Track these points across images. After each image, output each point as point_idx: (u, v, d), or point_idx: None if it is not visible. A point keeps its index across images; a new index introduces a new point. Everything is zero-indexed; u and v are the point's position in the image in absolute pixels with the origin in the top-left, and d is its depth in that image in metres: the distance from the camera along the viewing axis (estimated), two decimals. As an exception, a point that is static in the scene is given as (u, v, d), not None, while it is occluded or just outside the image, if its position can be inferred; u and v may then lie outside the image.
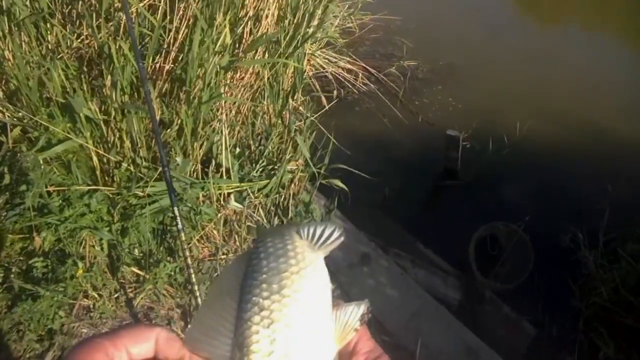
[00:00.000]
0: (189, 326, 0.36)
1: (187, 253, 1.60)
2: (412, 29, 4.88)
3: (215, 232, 2.23)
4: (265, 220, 2.33)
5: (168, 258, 2.04)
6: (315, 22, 2.74)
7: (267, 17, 2.51)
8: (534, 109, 3.79)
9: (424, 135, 3.58)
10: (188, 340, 0.38)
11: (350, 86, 4.04)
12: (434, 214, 2.96)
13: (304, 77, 3.45)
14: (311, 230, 0.42)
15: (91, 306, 1.88)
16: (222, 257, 2.17)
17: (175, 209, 1.67)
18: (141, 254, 2.03)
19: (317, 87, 3.69)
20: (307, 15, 2.54)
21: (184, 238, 1.67)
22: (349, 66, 4.17)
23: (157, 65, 2.34)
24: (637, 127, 3.78)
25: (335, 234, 0.41)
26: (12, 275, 1.83)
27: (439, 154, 3.25)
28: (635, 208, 2.54)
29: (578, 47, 5.60)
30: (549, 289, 2.41)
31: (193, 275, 1.56)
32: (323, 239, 0.41)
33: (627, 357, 2.07)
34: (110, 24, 2.33)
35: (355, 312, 0.39)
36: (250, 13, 2.47)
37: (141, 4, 2.31)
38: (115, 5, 2.29)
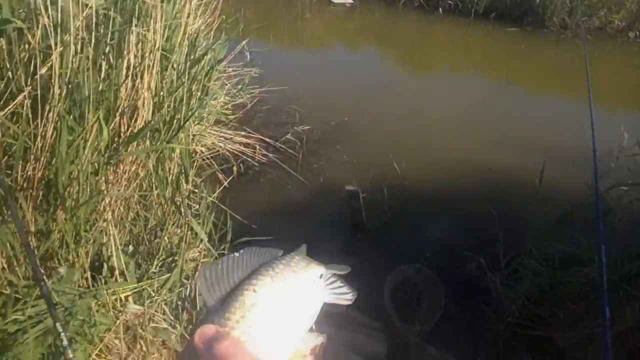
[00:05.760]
0: (205, 267, 0.44)
1: (75, 375, 1.42)
2: (302, 96, 5.13)
3: (116, 341, 2.03)
4: (172, 317, 2.18)
5: (62, 385, 1.80)
6: (195, 103, 2.77)
7: (143, 105, 2.48)
8: (421, 153, 4.08)
9: (327, 195, 3.66)
10: (199, 276, 0.43)
11: (250, 159, 4.07)
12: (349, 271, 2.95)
13: (196, 158, 3.43)
14: (331, 278, 0.46)
15: None
16: (127, 367, 1.97)
17: (58, 324, 1.51)
18: (28, 388, 1.77)
19: (215, 165, 3.67)
20: (184, 98, 2.56)
21: (71, 356, 1.50)
22: (246, 140, 4.24)
23: (28, 173, 2.19)
24: (511, 155, 4.21)
25: (348, 296, 0.47)
26: None
27: (345, 210, 3.32)
28: (524, 228, 2.75)
29: (451, 89, 6.24)
30: (467, 319, 2.47)
31: (83, 400, 1.38)
32: (334, 288, 0.46)
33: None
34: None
35: (312, 339, 0.43)
36: (125, 104, 2.44)
37: (1, 114, 2.18)
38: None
